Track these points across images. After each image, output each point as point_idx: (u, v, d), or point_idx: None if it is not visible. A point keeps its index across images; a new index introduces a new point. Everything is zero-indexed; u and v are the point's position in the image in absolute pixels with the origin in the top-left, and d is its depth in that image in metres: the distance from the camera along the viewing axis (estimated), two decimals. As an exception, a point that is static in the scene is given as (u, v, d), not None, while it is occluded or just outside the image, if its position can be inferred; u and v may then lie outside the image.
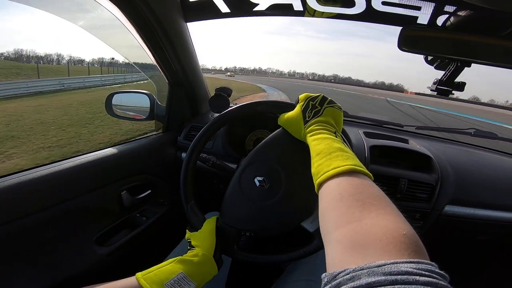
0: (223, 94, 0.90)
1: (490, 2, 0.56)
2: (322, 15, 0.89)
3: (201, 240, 0.55)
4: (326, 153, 0.40)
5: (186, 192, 0.64)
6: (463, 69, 0.72)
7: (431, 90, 0.78)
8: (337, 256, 0.26)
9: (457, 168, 0.92)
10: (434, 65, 0.78)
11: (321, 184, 0.37)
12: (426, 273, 0.20)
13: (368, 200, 0.30)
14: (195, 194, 0.65)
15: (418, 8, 0.76)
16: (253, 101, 0.68)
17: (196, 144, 0.66)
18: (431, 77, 0.80)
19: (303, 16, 0.93)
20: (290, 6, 0.91)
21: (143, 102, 0.95)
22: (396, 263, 0.21)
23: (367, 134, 1.01)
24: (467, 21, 0.68)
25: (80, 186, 0.68)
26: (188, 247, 0.56)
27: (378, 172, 0.88)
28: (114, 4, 0.72)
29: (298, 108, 0.54)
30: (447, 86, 0.74)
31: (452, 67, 0.73)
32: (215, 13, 0.94)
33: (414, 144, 0.99)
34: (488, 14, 0.64)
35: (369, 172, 0.36)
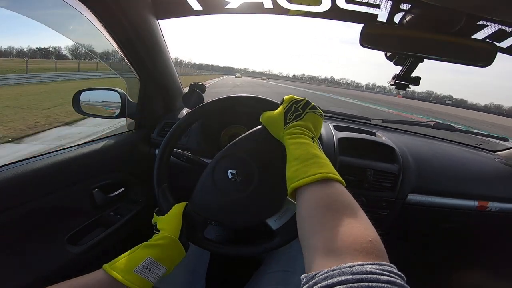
0: (197, 90, 0.92)
1: (438, 0, 0.59)
2: (289, 12, 0.91)
3: (166, 223, 0.56)
4: (303, 159, 0.43)
5: (159, 175, 0.64)
6: (417, 64, 0.77)
7: (390, 84, 0.82)
8: (314, 260, 0.30)
9: (417, 159, 0.98)
10: (393, 61, 0.83)
11: (296, 189, 0.41)
12: (387, 273, 0.25)
13: (341, 209, 0.34)
14: (167, 179, 0.65)
15: (377, 6, 0.79)
16: (229, 95, 0.69)
17: (171, 137, 0.66)
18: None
19: (273, 14, 0.96)
20: (260, 4, 0.93)
21: (114, 99, 0.94)
22: (362, 264, 0.25)
23: (337, 127, 1.05)
24: (421, 19, 0.72)
25: (49, 185, 0.68)
26: (154, 231, 0.57)
27: (347, 163, 0.93)
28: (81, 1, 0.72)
29: (281, 109, 0.55)
30: (404, 81, 0.79)
31: (408, 63, 0.78)
32: (187, 11, 0.95)
33: (380, 136, 1.04)
34: (439, 12, 0.68)
35: (341, 179, 0.40)
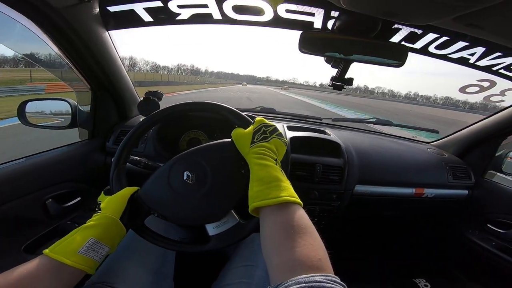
0: (153, 98, 0.94)
1: (354, 6, 0.67)
2: (236, 22, 0.97)
3: (111, 203, 0.56)
4: (266, 181, 0.48)
5: (120, 157, 0.66)
6: (349, 66, 0.85)
7: (329, 85, 0.90)
8: (277, 275, 0.38)
9: (360, 152, 1.07)
10: (331, 64, 0.91)
11: (258, 209, 0.46)
12: (331, 282, 0.33)
13: (298, 232, 0.41)
14: (125, 164, 0.67)
15: (312, 14, 0.87)
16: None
17: (127, 141, 0.68)
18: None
19: (222, 24, 1.01)
20: (210, 15, 0.98)
21: (63, 109, 0.93)
22: (313, 276, 0.33)
23: (290, 128, 1.12)
24: (347, 24, 0.80)
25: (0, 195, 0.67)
26: (96, 208, 0.58)
27: (298, 160, 0.99)
28: (23, 14, 0.73)
29: (251, 128, 0.59)
30: (339, 82, 0.87)
31: (342, 65, 0.86)
32: (138, 22, 0.97)
33: (329, 134, 1.11)
34: (360, 18, 0.76)
35: (300, 201, 0.46)
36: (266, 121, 0.61)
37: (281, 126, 1.12)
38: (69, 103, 0.93)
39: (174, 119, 1.01)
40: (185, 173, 0.61)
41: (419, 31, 0.76)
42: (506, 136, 1.21)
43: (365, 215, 1.33)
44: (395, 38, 0.82)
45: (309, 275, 0.33)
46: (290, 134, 1.06)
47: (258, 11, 0.92)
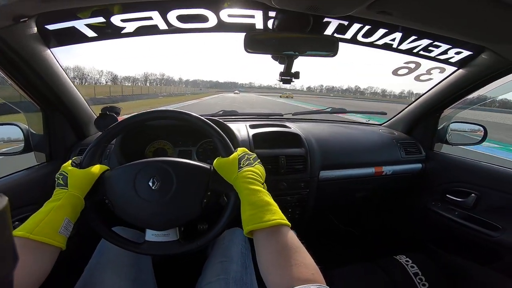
0: (110, 113, 0.93)
1: (283, 4, 0.74)
2: (182, 31, 1.01)
3: (78, 180, 0.58)
4: (258, 206, 0.52)
5: (106, 135, 0.66)
6: (293, 61, 0.92)
7: (278, 80, 0.97)
8: (281, 284, 0.42)
9: (319, 140, 1.15)
10: (278, 61, 0.97)
11: (252, 232, 0.51)
12: None
13: (290, 253, 0.45)
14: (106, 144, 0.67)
15: (252, 16, 0.93)
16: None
17: (121, 124, 0.68)
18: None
19: (168, 33, 1.04)
20: (155, 26, 1.00)
21: (13, 134, 0.89)
22: (309, 285, 0.38)
23: (252, 126, 1.17)
24: (284, 23, 0.87)
25: None
26: (61, 181, 0.58)
27: (262, 154, 1.03)
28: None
29: (235, 155, 0.63)
30: (287, 76, 0.94)
31: (286, 61, 0.93)
32: (81, 38, 0.97)
33: (289, 127, 1.18)
34: (294, 15, 0.84)
35: (288, 223, 0.51)
36: (247, 150, 0.67)
37: (243, 126, 1.16)
38: (19, 127, 0.89)
39: (136, 129, 1.02)
40: (152, 178, 0.62)
41: (345, 23, 0.85)
42: (442, 110, 1.34)
43: (337, 202, 1.40)
44: (328, 31, 0.90)
45: (305, 285, 0.38)
46: (252, 131, 1.11)
47: (203, 19, 0.97)
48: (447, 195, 1.30)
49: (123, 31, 0.99)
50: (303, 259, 0.45)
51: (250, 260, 0.83)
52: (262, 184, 0.59)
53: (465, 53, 0.99)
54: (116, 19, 0.92)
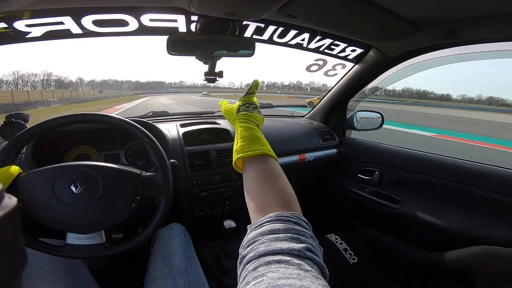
0: (17, 120, 0.83)
1: (202, 10, 0.80)
2: (99, 35, 0.97)
3: None
4: (249, 139, 0.56)
5: (24, 135, 0.64)
6: (216, 61, 0.98)
7: (203, 80, 1.01)
8: (253, 217, 0.43)
9: None
10: (203, 62, 1.02)
11: (242, 159, 0.54)
12: (295, 218, 0.39)
13: (271, 180, 0.48)
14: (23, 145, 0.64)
15: (175, 20, 0.96)
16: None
17: (38, 127, 0.65)
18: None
19: (85, 37, 0.99)
20: (68, 30, 0.94)
21: None
22: (282, 212, 0.39)
23: (182, 125, 1.19)
24: (206, 26, 0.93)
25: None
26: None
27: (193, 151, 1.08)
28: None
29: (238, 103, 0.68)
30: (211, 76, 1.00)
31: (210, 61, 0.98)
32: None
33: (219, 123, 1.24)
34: (215, 19, 0.90)
35: (275, 156, 0.55)
36: (253, 100, 0.70)
37: (173, 126, 1.18)
38: None
39: (49, 134, 0.94)
40: (75, 182, 0.61)
41: (262, 25, 0.96)
42: (347, 101, 1.57)
43: None
44: (248, 33, 1.00)
45: (278, 212, 0.39)
46: (182, 130, 1.14)
47: (122, 23, 0.95)
48: (358, 175, 1.47)
49: (28, 36, 0.91)
50: (284, 186, 0.47)
51: (192, 251, 0.87)
52: (257, 126, 0.64)
53: (358, 50, 1.21)
54: (20, 24, 0.85)
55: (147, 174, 0.67)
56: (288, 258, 0.31)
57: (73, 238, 0.64)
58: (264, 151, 0.54)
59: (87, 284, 0.73)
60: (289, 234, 0.35)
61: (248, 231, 0.40)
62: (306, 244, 0.34)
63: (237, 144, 0.57)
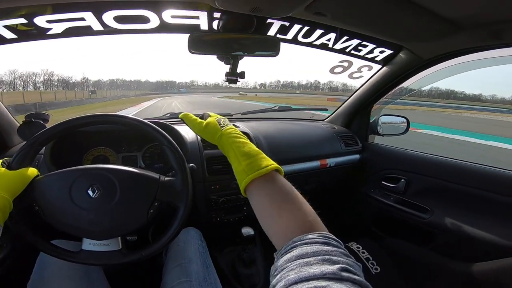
0: (36, 120, 0.83)
1: (226, 6, 0.76)
2: (120, 32, 0.95)
3: (8, 181, 0.53)
4: (253, 155, 0.51)
5: (42, 136, 0.62)
6: (238, 61, 0.94)
7: (224, 81, 0.98)
8: (278, 242, 0.41)
9: (267, 137, 1.19)
10: (224, 62, 0.99)
11: (255, 179, 0.48)
12: (322, 238, 0.36)
13: (287, 201, 0.45)
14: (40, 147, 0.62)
15: (197, 17, 0.93)
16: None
17: (59, 126, 0.63)
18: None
19: (106, 34, 0.97)
20: (89, 27, 0.92)
21: None
22: (307, 235, 0.37)
23: None
24: (229, 23, 0.89)
25: None
26: None
27: (211, 155, 1.04)
28: None
29: (212, 119, 0.63)
30: (232, 76, 0.96)
31: (231, 61, 0.94)
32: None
33: (238, 126, 1.20)
34: (238, 16, 0.86)
35: (281, 168, 0.51)
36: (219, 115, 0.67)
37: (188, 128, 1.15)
38: None
39: (68, 136, 0.92)
40: (93, 186, 0.59)
41: (286, 23, 0.91)
42: (372, 104, 1.50)
43: None
44: (271, 32, 0.95)
45: (303, 235, 0.37)
46: None
47: (143, 19, 0.93)
48: (382, 182, 1.40)
49: (49, 32, 0.90)
50: (302, 205, 0.45)
51: (209, 258, 0.83)
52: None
53: (387, 52, 1.14)
54: (40, 20, 0.84)
55: (166, 179, 0.64)
56: (324, 284, 0.28)
57: (88, 244, 0.62)
58: (277, 166, 0.50)
59: None
60: (319, 257, 0.32)
61: (275, 258, 0.37)
62: (340, 265, 0.31)
63: (241, 164, 0.51)
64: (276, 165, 0.50)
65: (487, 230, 0.99)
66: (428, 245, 1.17)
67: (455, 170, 1.15)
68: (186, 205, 0.63)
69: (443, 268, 1.02)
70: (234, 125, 0.63)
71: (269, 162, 0.50)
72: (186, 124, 0.66)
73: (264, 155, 0.53)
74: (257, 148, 0.55)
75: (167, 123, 1.08)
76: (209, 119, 0.65)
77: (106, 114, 0.68)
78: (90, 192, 0.58)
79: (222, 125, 0.62)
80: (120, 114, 0.70)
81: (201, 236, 0.92)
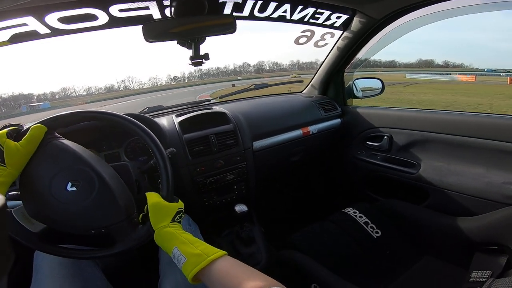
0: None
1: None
2: (69, 32, 0.90)
3: (17, 156, 0.55)
4: (202, 242, 0.54)
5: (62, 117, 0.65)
6: (198, 43, 0.93)
7: (189, 64, 0.97)
8: None
9: (245, 114, 1.20)
10: (186, 47, 0.97)
11: (213, 261, 0.49)
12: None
13: (245, 276, 0.46)
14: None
15: (147, 8, 0.90)
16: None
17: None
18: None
19: (54, 36, 0.92)
20: (34, 31, 0.87)
21: None
22: None
23: (178, 115, 1.15)
24: (181, 7, 0.87)
25: None
26: None
27: (191, 138, 1.04)
28: None
29: (175, 207, 0.62)
30: (197, 59, 0.95)
31: (192, 44, 0.93)
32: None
33: (215, 108, 1.20)
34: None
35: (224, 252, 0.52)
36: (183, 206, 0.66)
37: (170, 117, 1.14)
38: None
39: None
40: (70, 182, 0.59)
41: (239, 0, 0.90)
42: (342, 70, 1.53)
43: (276, 169, 1.49)
44: (227, 11, 0.94)
45: None
46: (178, 119, 1.10)
47: (90, 17, 0.89)
48: (367, 142, 1.44)
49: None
50: (255, 277, 0.46)
51: (199, 235, 0.86)
52: None
53: (344, 16, 1.16)
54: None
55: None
56: None
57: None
58: (220, 252, 0.51)
59: (99, 286, 0.71)
60: None
61: None
62: None
63: (198, 248, 0.52)
64: (220, 252, 0.52)
65: (478, 179, 1.01)
66: (422, 203, 1.19)
67: (432, 120, 1.18)
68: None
69: (443, 224, 1.02)
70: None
71: (216, 249, 0.52)
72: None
73: (205, 243, 0.54)
74: (196, 238, 0.56)
75: (141, 114, 1.07)
76: (171, 204, 0.62)
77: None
78: (71, 186, 0.59)
79: (176, 219, 0.61)
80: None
81: (189, 220, 0.92)
